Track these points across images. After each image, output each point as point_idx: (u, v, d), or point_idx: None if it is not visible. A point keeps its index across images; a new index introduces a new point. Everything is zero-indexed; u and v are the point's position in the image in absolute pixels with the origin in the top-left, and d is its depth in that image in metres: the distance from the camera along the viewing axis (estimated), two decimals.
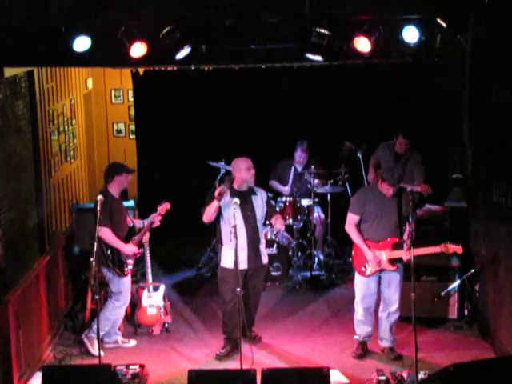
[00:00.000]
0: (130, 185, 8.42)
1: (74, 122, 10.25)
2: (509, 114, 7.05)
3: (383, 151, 9.79)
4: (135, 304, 8.32)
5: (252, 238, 7.59)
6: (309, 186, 9.73)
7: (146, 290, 8.31)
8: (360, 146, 9.98)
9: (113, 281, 7.77)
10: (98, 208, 7.11)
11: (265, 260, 7.83)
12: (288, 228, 9.82)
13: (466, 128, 7.82)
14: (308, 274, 9.74)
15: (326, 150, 10.21)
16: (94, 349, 7.66)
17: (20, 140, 7.98)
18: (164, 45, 6.95)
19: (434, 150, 10.15)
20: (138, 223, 8.09)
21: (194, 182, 10.39)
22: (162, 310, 8.30)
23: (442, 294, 8.18)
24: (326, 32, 6.90)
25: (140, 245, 7.96)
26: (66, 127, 9.83)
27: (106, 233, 7.51)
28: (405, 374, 7.02)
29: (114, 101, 11.88)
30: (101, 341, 7.36)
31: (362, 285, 7.57)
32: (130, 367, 7.18)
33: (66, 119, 9.80)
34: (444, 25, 6.99)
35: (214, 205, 7.47)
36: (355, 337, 7.76)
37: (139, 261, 8.59)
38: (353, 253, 7.62)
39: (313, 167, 9.70)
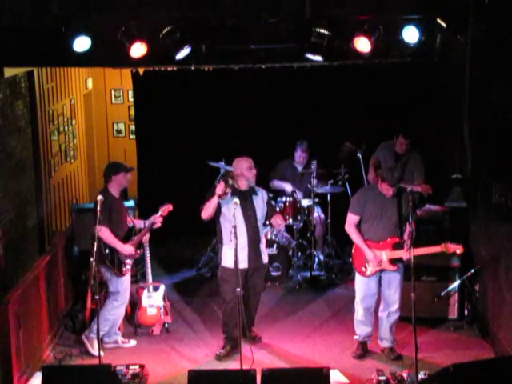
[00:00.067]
0: (130, 185, 8.43)
1: (74, 122, 10.25)
2: (509, 113, 7.05)
3: (383, 151, 9.79)
4: (135, 304, 8.33)
5: (252, 238, 7.60)
6: (309, 186, 9.73)
7: (146, 290, 8.31)
8: (360, 146, 9.97)
9: (111, 280, 7.77)
10: (98, 208, 7.11)
11: (265, 259, 7.84)
12: (288, 228, 9.83)
13: (466, 128, 7.81)
14: (308, 274, 9.74)
15: (326, 150, 10.20)
16: (94, 349, 7.66)
17: (20, 140, 7.98)
18: (164, 45, 6.96)
19: (434, 150, 10.15)
20: (139, 223, 8.08)
21: (194, 182, 10.38)
22: (161, 310, 8.30)
23: (442, 294, 8.18)
24: (326, 32, 6.91)
25: (140, 245, 7.96)
26: (66, 127, 9.83)
27: (104, 232, 7.51)
28: (405, 374, 7.02)
29: (114, 101, 11.89)
30: (101, 341, 7.37)
31: (362, 285, 7.57)
32: (130, 367, 7.18)
33: (66, 119, 9.80)
34: (444, 25, 6.99)
35: (214, 201, 7.47)
36: (355, 337, 7.76)
37: (139, 261, 8.60)
38: (353, 253, 7.62)
39: (313, 167, 9.70)
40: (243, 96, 10.73)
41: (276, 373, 6.26)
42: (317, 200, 9.92)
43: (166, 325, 8.37)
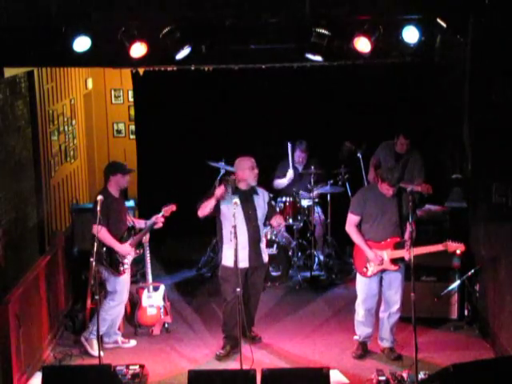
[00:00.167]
0: (130, 185, 8.42)
1: (73, 122, 10.24)
2: (509, 113, 7.05)
3: (383, 151, 9.79)
4: (135, 304, 8.33)
5: (253, 237, 7.62)
6: (308, 186, 9.73)
7: (146, 290, 8.31)
8: (360, 146, 9.98)
9: (108, 280, 7.78)
10: (98, 208, 7.11)
11: (265, 258, 7.85)
12: (288, 228, 9.84)
13: (466, 128, 7.81)
14: (308, 274, 9.74)
15: (326, 150, 10.21)
16: (94, 350, 7.67)
17: (20, 140, 7.97)
18: (164, 45, 6.95)
19: (434, 150, 10.15)
20: (140, 223, 8.08)
21: (194, 182, 10.37)
22: (161, 310, 8.30)
23: (442, 294, 8.18)
24: (326, 32, 6.90)
25: (140, 245, 7.96)
26: (66, 127, 9.82)
27: (101, 232, 7.50)
28: (405, 374, 7.02)
29: (114, 101, 11.88)
30: (100, 341, 7.37)
31: (363, 285, 7.56)
32: (130, 367, 7.19)
33: (65, 119, 9.79)
34: (444, 25, 6.98)
35: (212, 202, 7.50)
36: (355, 337, 7.76)
37: (139, 261, 8.59)
38: (354, 254, 7.62)
39: (312, 168, 9.70)
40: (243, 96, 10.72)
41: (276, 373, 6.27)
42: (317, 200, 9.93)
43: (166, 325, 8.37)
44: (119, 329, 8.08)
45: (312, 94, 10.64)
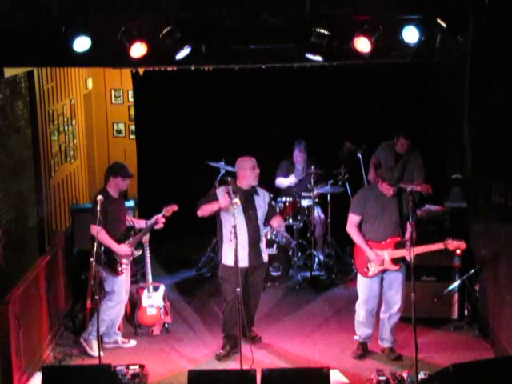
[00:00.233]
0: (129, 187, 8.40)
1: (73, 122, 10.25)
2: (509, 113, 7.05)
3: (384, 151, 9.79)
4: (135, 304, 8.32)
5: (253, 237, 7.62)
6: (308, 186, 9.73)
7: (146, 290, 8.30)
8: (360, 146, 9.97)
9: (106, 280, 7.77)
10: (98, 208, 7.11)
11: (265, 258, 7.85)
12: (288, 228, 9.83)
13: (466, 128, 7.82)
14: (308, 274, 9.74)
15: (326, 150, 10.21)
16: (93, 350, 7.67)
17: (20, 140, 7.98)
18: (164, 45, 6.95)
19: (434, 150, 10.15)
20: (140, 224, 8.07)
21: (194, 182, 10.38)
22: (161, 310, 8.30)
23: (442, 294, 8.18)
24: (326, 32, 6.90)
25: (140, 245, 7.95)
26: (66, 127, 9.83)
27: (99, 232, 7.48)
28: (405, 375, 7.02)
29: (113, 101, 11.88)
30: (100, 341, 7.36)
31: (364, 286, 7.56)
32: (130, 367, 7.18)
33: (65, 119, 9.80)
34: (444, 25, 6.98)
35: (213, 208, 7.53)
36: (355, 337, 7.76)
37: (139, 261, 8.59)
38: (354, 254, 7.62)
39: (312, 167, 9.70)
40: (243, 96, 10.73)
41: (276, 373, 6.26)
42: (317, 200, 9.93)
43: (166, 325, 8.37)
44: (119, 329, 8.08)
45: (312, 94, 10.65)
